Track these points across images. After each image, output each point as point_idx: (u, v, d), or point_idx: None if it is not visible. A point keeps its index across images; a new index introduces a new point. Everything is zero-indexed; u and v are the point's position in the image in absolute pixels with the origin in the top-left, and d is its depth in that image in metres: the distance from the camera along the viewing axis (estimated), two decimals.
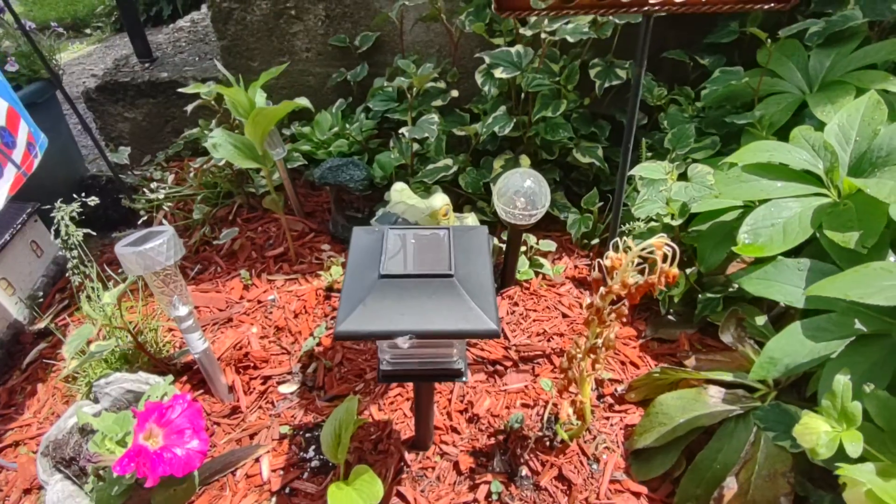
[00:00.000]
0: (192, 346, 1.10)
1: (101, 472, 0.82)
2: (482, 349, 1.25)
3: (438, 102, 1.59)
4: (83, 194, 1.22)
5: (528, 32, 1.48)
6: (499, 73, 1.44)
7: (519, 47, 1.47)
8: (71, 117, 2.26)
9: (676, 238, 1.31)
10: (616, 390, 1.17)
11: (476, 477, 1.02)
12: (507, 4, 0.89)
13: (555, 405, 1.12)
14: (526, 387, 1.18)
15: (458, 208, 1.63)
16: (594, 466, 1.04)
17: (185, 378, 1.23)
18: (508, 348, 1.25)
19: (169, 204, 1.69)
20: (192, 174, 1.76)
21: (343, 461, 0.93)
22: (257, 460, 1.08)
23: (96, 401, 1.01)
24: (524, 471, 1.02)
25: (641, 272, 0.78)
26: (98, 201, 1.21)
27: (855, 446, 0.71)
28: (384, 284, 0.71)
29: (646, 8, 0.89)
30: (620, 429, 1.10)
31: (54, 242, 1.20)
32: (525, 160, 1.53)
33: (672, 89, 1.61)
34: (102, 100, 2.03)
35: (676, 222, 1.26)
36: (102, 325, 1.13)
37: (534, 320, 1.31)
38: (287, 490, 1.03)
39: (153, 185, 1.70)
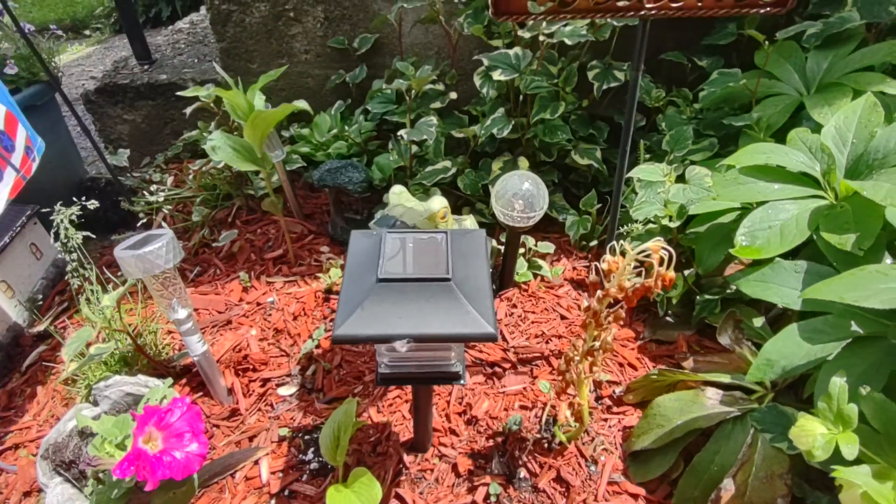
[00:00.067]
0: (192, 348, 1.11)
1: (100, 475, 0.83)
2: (481, 351, 1.25)
3: (437, 104, 1.59)
4: (83, 197, 1.23)
5: (527, 34, 1.48)
6: (497, 75, 1.44)
7: (517, 49, 1.47)
8: (70, 119, 2.26)
9: (674, 240, 1.32)
10: (614, 392, 1.17)
11: (474, 479, 1.02)
12: (503, 9, 0.89)
13: (553, 407, 1.13)
14: (524, 388, 1.18)
15: (456, 210, 1.64)
16: (592, 468, 1.04)
17: (184, 380, 1.23)
18: (507, 350, 1.25)
19: (168, 207, 1.69)
20: (191, 176, 1.77)
21: (342, 463, 0.94)
22: (256, 462, 1.08)
23: (96, 404, 1.02)
24: (522, 473, 1.03)
25: (640, 274, 0.79)
26: (98, 205, 1.21)
27: (850, 449, 0.71)
28: (382, 288, 0.72)
29: (642, 12, 0.90)
30: (619, 430, 1.10)
31: (54, 245, 1.21)
32: (524, 162, 1.53)
33: (670, 91, 1.61)
34: (101, 102, 2.03)
35: (674, 224, 1.27)
36: (102, 327, 1.13)
37: (532, 322, 1.31)
38: (286, 492, 1.03)
39: (152, 187, 1.70)
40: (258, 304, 1.43)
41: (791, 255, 1.12)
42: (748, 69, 1.48)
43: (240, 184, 1.77)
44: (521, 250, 1.45)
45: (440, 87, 1.63)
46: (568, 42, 1.40)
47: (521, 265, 1.43)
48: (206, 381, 1.17)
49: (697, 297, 1.27)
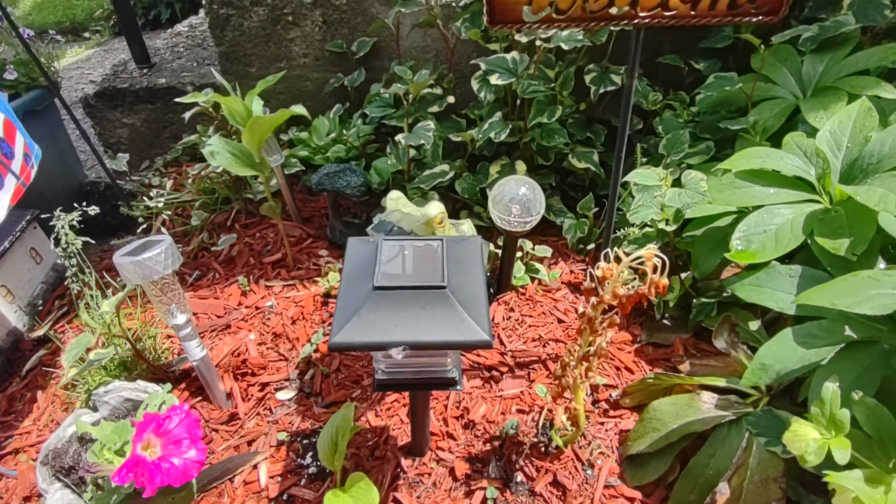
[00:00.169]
0: (191, 353, 1.11)
1: (99, 481, 0.83)
2: (478, 355, 1.26)
3: (435, 108, 1.60)
4: (82, 201, 1.23)
5: (524, 39, 1.49)
6: (494, 79, 1.45)
7: (514, 54, 1.48)
8: (69, 124, 2.27)
9: (671, 243, 1.32)
10: (611, 396, 1.18)
11: (472, 483, 1.03)
12: (499, 17, 0.90)
13: (550, 411, 1.13)
14: (521, 392, 1.19)
15: (454, 214, 1.64)
16: (589, 472, 1.05)
17: (183, 385, 1.24)
18: (504, 354, 1.26)
19: (167, 212, 1.70)
20: (190, 180, 1.77)
21: (340, 468, 0.94)
22: (255, 467, 1.09)
23: (95, 409, 1.02)
24: (519, 477, 1.03)
25: (640, 276, 0.79)
26: (97, 210, 1.22)
27: (843, 453, 0.72)
28: (378, 296, 0.72)
29: (636, 21, 0.90)
30: (615, 434, 1.11)
31: (54, 250, 1.21)
32: (521, 166, 1.54)
33: (667, 94, 1.62)
34: (101, 106, 2.04)
35: (671, 228, 1.28)
36: (101, 333, 1.14)
37: (529, 326, 1.32)
38: (285, 497, 1.04)
39: (152, 191, 1.71)
40: (257, 308, 1.44)
41: (787, 258, 1.12)
42: (745, 72, 1.49)
43: (239, 188, 1.77)
44: (519, 254, 1.46)
45: (438, 90, 1.64)
46: (565, 47, 1.40)
47: (519, 269, 1.44)
48: (205, 385, 1.18)
49: (694, 301, 1.28)
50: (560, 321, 1.34)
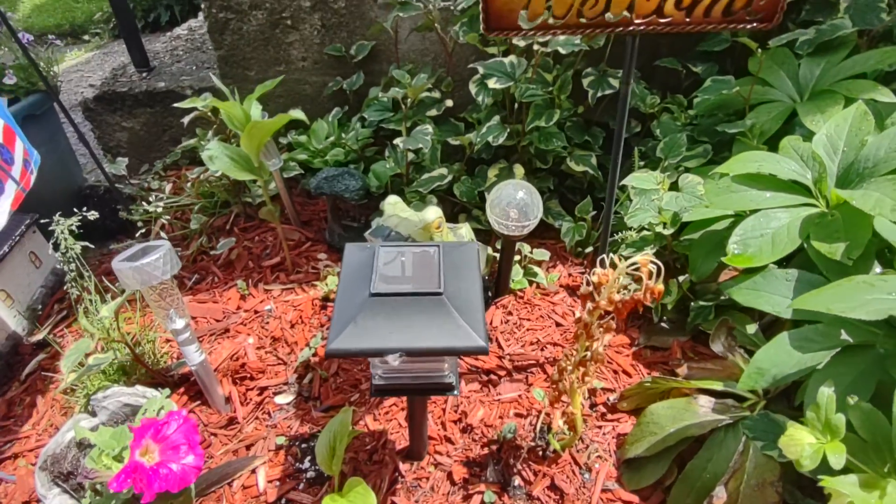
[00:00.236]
0: (189, 358, 1.11)
1: (98, 486, 0.84)
2: (476, 359, 1.26)
3: (433, 112, 1.60)
4: (82, 205, 1.24)
5: (522, 43, 1.49)
6: (492, 83, 1.45)
7: (512, 58, 1.48)
8: (69, 127, 2.27)
9: (669, 247, 1.33)
10: (608, 399, 1.18)
11: (469, 487, 1.03)
12: (494, 24, 0.90)
13: (547, 415, 1.14)
14: (519, 396, 1.19)
15: (453, 217, 1.65)
16: (586, 476, 1.05)
17: (182, 389, 1.24)
18: (502, 357, 1.26)
19: (167, 217, 1.70)
20: (189, 184, 1.78)
21: (338, 473, 0.95)
22: (254, 471, 1.09)
23: (94, 414, 1.03)
24: (517, 481, 1.04)
25: (636, 281, 0.79)
26: (97, 216, 1.22)
27: (838, 458, 0.72)
28: (374, 303, 0.73)
29: (631, 28, 0.91)
30: (613, 438, 1.11)
31: (53, 254, 1.22)
32: (519, 169, 1.54)
33: (665, 97, 1.62)
34: (100, 110, 2.05)
35: (668, 231, 1.28)
36: (100, 338, 1.14)
37: (527, 329, 1.32)
38: (283, 501, 1.04)
39: (151, 195, 1.71)
40: (256, 312, 1.44)
41: (785, 261, 1.13)
42: (742, 75, 1.49)
43: (238, 191, 1.78)
44: (517, 257, 1.46)
45: (436, 94, 1.64)
46: (562, 51, 1.41)
47: (517, 272, 1.44)
48: (204, 390, 1.18)
49: (692, 304, 1.28)
50: (558, 325, 1.34)
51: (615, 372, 1.24)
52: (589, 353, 0.87)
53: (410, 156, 1.60)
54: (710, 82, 1.49)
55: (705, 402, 1.04)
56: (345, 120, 1.85)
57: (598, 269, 0.77)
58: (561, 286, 1.46)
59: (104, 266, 1.68)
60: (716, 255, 1.21)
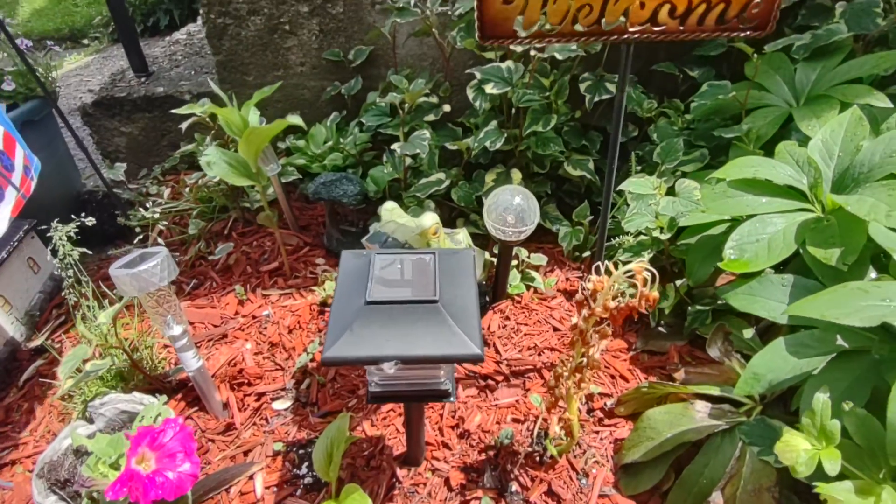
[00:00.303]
0: (187, 364, 1.12)
1: (94, 495, 0.84)
2: (474, 364, 1.26)
3: (431, 117, 1.61)
4: (80, 210, 1.24)
5: (519, 48, 1.50)
6: (490, 88, 1.46)
7: (509, 63, 1.48)
8: (68, 133, 2.28)
9: (666, 251, 1.33)
10: (606, 404, 1.18)
11: (467, 493, 1.03)
12: (490, 32, 0.91)
13: (544, 420, 1.14)
14: (517, 401, 1.19)
15: (451, 222, 1.65)
16: (583, 481, 1.05)
17: (179, 395, 1.24)
18: (500, 363, 1.26)
19: (164, 223, 1.71)
20: (187, 189, 1.78)
21: (335, 479, 0.95)
22: (251, 478, 1.09)
23: (91, 421, 1.03)
24: (514, 486, 1.04)
25: (634, 286, 0.79)
26: (94, 222, 1.23)
27: (833, 464, 0.72)
28: (370, 311, 0.73)
29: (625, 36, 0.91)
30: (610, 443, 1.11)
31: (51, 260, 1.22)
32: (517, 174, 1.54)
33: (662, 101, 1.63)
34: (99, 115, 2.05)
35: (665, 236, 1.28)
36: (98, 344, 1.15)
37: (525, 334, 1.33)
38: None
39: (149, 201, 1.72)
40: (254, 317, 1.45)
41: (781, 266, 1.13)
42: (739, 79, 1.49)
43: (236, 196, 1.78)
44: (514, 262, 1.46)
45: (434, 99, 1.65)
46: (559, 56, 1.41)
47: (514, 277, 1.44)
48: (202, 395, 1.18)
49: (689, 308, 1.28)
50: (555, 329, 1.35)
51: (612, 377, 1.24)
52: (585, 360, 0.88)
53: (408, 161, 1.60)
54: (707, 87, 1.49)
55: (702, 407, 1.04)
56: (343, 124, 1.86)
57: (593, 277, 0.77)
58: (558, 291, 1.46)
59: (102, 271, 1.68)
60: (712, 260, 1.21)
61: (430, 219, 1.10)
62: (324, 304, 1.46)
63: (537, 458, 1.08)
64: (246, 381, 1.27)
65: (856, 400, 0.82)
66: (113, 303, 1.31)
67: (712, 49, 1.58)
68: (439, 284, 0.76)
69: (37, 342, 1.44)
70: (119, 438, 0.84)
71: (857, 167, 1.08)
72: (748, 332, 1.17)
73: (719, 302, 1.25)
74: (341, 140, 1.78)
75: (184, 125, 1.61)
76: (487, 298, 1.41)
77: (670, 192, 1.35)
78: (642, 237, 1.36)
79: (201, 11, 1.80)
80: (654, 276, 0.73)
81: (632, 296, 0.78)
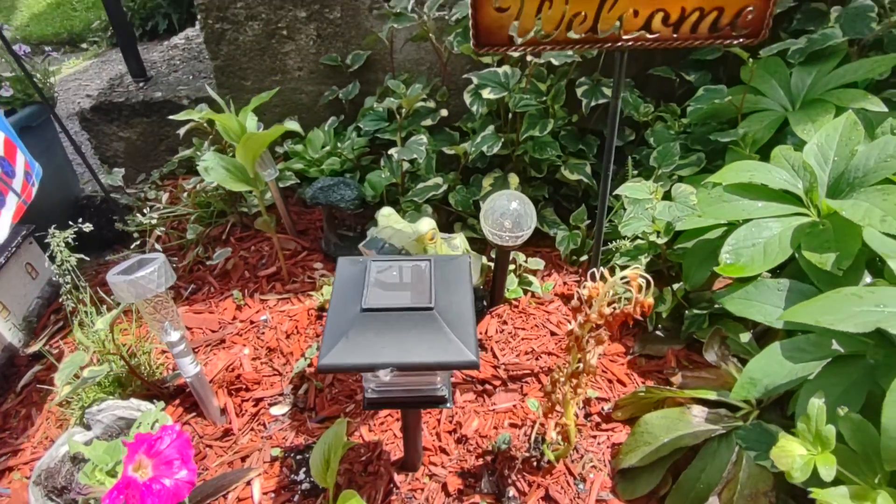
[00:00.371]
0: (184, 370, 1.12)
1: (91, 502, 0.84)
2: (469, 370, 1.26)
3: (428, 122, 1.61)
4: (79, 215, 1.24)
5: (515, 53, 1.50)
6: (486, 93, 1.46)
7: (506, 68, 1.49)
8: (65, 139, 2.28)
9: (663, 255, 1.33)
10: (603, 409, 1.18)
11: (464, 498, 1.03)
12: (484, 41, 0.91)
13: (542, 425, 1.14)
14: (514, 406, 1.19)
15: (448, 226, 1.65)
16: (581, 486, 1.05)
17: (177, 401, 1.24)
18: (497, 367, 1.26)
19: (162, 228, 1.71)
20: (185, 194, 1.78)
21: (332, 485, 0.95)
22: (249, 483, 1.09)
23: (88, 427, 1.03)
24: (511, 492, 1.04)
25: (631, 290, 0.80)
26: (91, 228, 1.23)
27: (828, 470, 0.73)
28: (366, 318, 0.73)
29: (619, 44, 0.92)
30: (607, 447, 1.12)
31: (49, 267, 1.22)
32: (514, 178, 1.55)
33: (659, 105, 1.63)
34: (97, 120, 2.05)
35: (662, 240, 1.28)
36: (95, 350, 1.15)
37: (522, 339, 1.33)
38: None
39: (147, 206, 1.72)
40: (251, 322, 1.45)
41: (778, 269, 1.13)
42: (736, 83, 1.50)
43: (234, 201, 1.78)
44: (512, 266, 1.47)
45: (431, 104, 1.65)
46: (555, 62, 1.42)
47: (512, 281, 1.44)
48: (199, 401, 1.18)
49: (686, 312, 1.29)
50: (553, 334, 1.35)
51: (610, 381, 1.25)
52: (581, 365, 0.88)
53: (406, 165, 1.60)
54: (703, 91, 1.50)
55: (699, 411, 1.04)
56: (341, 129, 1.86)
57: (588, 283, 0.78)
58: (556, 295, 1.46)
59: (101, 276, 1.69)
60: (709, 264, 1.21)
61: (427, 224, 1.10)
62: (322, 308, 1.46)
63: (535, 463, 1.08)
64: (244, 386, 1.27)
65: (851, 405, 0.82)
66: (111, 308, 1.31)
67: (708, 53, 1.58)
68: (435, 291, 0.76)
69: (35, 348, 1.44)
70: (116, 445, 0.84)
71: (852, 171, 1.08)
72: (745, 336, 1.17)
73: (716, 306, 1.26)
74: (339, 144, 1.78)
75: (182, 130, 1.62)
76: (485, 303, 1.42)
77: (667, 196, 1.35)
78: (639, 241, 1.36)
79: (199, 17, 1.81)
80: (648, 282, 0.73)
81: (627, 299, 0.78)
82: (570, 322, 0.86)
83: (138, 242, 1.65)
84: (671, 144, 1.47)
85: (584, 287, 0.77)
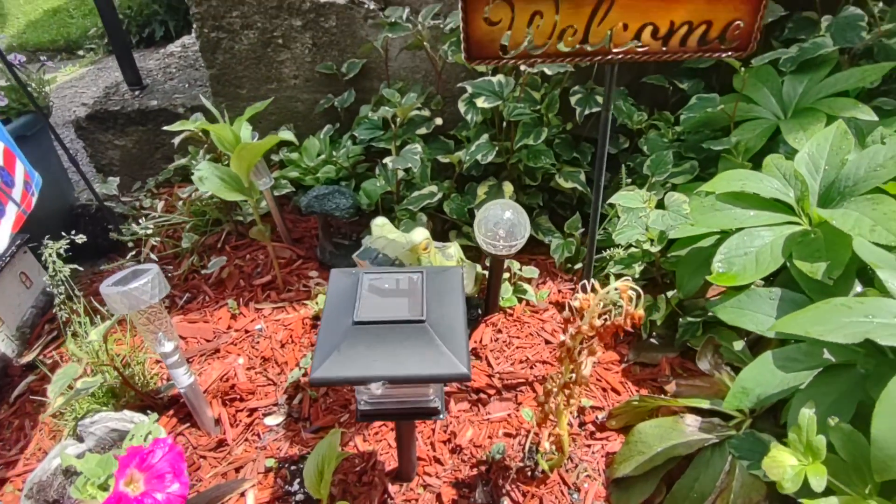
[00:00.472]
0: (178, 380, 1.12)
1: None
2: (461, 383, 1.26)
3: (423, 130, 1.62)
4: (75, 224, 1.24)
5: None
6: (481, 102, 1.47)
7: (500, 77, 1.50)
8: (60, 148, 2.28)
9: (656, 263, 1.34)
10: (597, 418, 1.18)
11: None
12: (476, 53, 0.92)
13: (536, 434, 1.14)
14: (509, 415, 1.19)
15: (443, 234, 1.66)
16: (575, 496, 1.05)
17: (171, 412, 1.24)
18: (492, 376, 1.27)
19: (157, 238, 1.71)
20: (181, 203, 1.78)
21: (326, 496, 0.95)
22: (243, 495, 1.09)
23: (81, 440, 1.02)
24: (506, 502, 1.04)
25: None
26: (85, 239, 1.23)
27: (818, 480, 0.73)
28: (358, 331, 0.73)
29: (609, 57, 0.92)
30: (602, 456, 1.12)
31: (44, 277, 1.22)
32: (508, 187, 1.55)
33: (652, 113, 1.64)
34: (93, 128, 2.05)
35: (656, 248, 1.29)
36: (89, 361, 1.14)
37: (517, 347, 1.33)
38: None
39: (142, 214, 1.72)
40: (246, 331, 1.45)
41: (772, 277, 1.13)
42: (729, 91, 1.51)
43: (229, 209, 1.78)
44: (506, 275, 1.47)
45: (426, 112, 1.66)
46: (548, 72, 1.42)
47: (507, 290, 1.45)
48: (193, 411, 1.18)
49: (680, 320, 1.29)
50: (548, 342, 1.35)
51: (604, 389, 1.25)
52: (574, 376, 0.88)
53: (401, 174, 1.61)
54: (696, 100, 1.51)
55: (692, 420, 1.05)
56: (336, 137, 1.86)
57: (580, 295, 0.78)
58: (551, 303, 1.46)
59: (95, 286, 1.68)
60: (702, 272, 1.22)
61: (421, 234, 1.11)
62: (317, 317, 1.46)
63: (529, 473, 1.08)
64: (238, 396, 1.27)
65: (842, 415, 0.82)
66: (105, 318, 1.31)
67: (701, 61, 1.59)
68: (427, 304, 0.76)
69: (28, 358, 1.44)
70: (108, 459, 0.84)
71: (842, 180, 1.09)
72: (738, 345, 1.18)
73: (710, 314, 1.26)
74: (334, 153, 1.79)
75: (177, 139, 1.62)
76: (479, 311, 1.42)
77: (660, 204, 1.36)
78: (633, 249, 1.36)
79: (195, 26, 1.81)
80: (639, 294, 0.74)
81: (619, 309, 0.79)
82: (562, 333, 0.86)
83: (133, 252, 1.65)
84: (665, 153, 1.48)
85: (576, 299, 0.78)
